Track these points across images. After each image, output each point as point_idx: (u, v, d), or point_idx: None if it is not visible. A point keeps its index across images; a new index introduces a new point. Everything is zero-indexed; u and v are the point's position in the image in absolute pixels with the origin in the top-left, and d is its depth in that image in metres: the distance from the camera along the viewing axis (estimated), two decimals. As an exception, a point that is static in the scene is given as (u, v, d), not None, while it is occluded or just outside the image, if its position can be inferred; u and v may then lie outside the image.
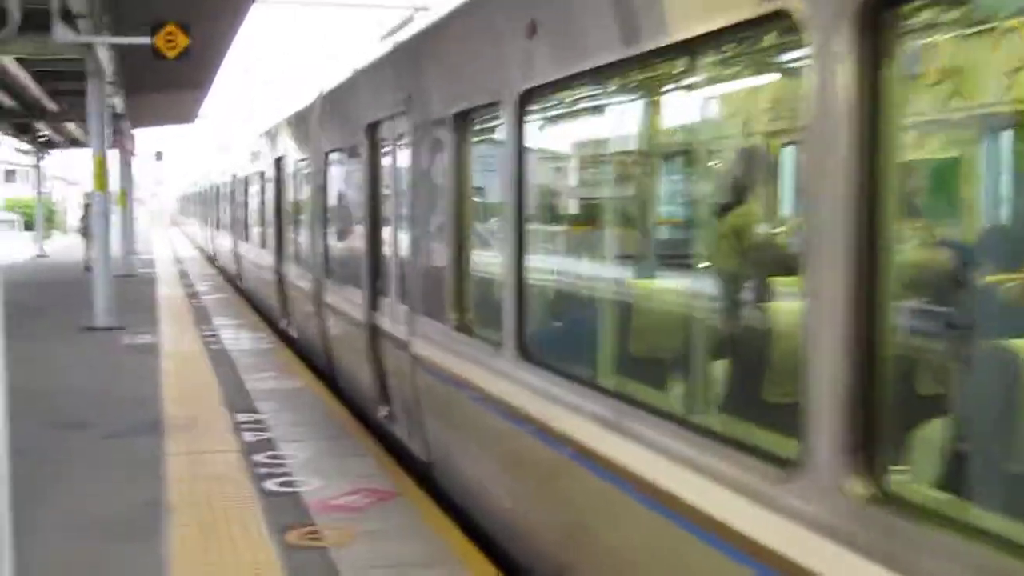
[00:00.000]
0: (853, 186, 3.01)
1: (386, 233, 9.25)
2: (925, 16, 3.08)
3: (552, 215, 6.47)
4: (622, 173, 5.53)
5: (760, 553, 3.47)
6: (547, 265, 6.16)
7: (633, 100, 5.21)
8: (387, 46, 9.22)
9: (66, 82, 23.86)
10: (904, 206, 3.21)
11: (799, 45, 3.24)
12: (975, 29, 3.11)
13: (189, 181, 59.43)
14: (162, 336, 16.11)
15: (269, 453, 8.60)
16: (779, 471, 3.41)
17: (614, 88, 5.13)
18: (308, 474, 7.92)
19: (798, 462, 3.29)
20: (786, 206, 4.31)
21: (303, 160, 13.82)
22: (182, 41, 15.76)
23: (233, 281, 26.02)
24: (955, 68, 3.19)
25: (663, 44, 4.18)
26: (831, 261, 3.09)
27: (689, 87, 4.57)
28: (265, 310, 18.69)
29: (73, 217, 54.35)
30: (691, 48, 4.14)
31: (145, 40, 15.96)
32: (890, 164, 2.99)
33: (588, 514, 5.05)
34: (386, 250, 9.21)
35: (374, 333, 9.31)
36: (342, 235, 11.63)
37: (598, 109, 5.47)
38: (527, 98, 5.60)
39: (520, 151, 5.74)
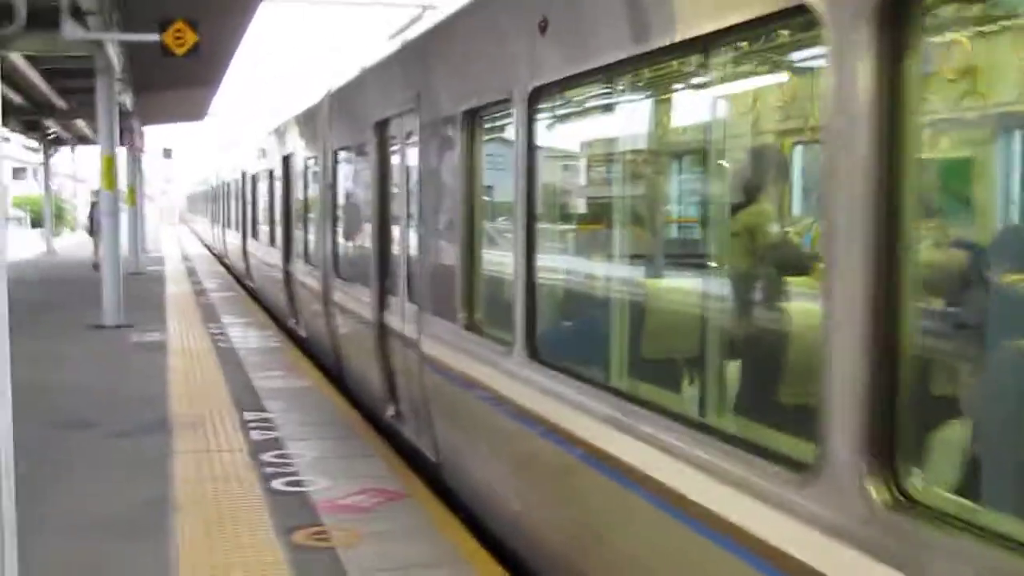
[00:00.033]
0: (873, 185, 2.94)
1: (395, 231, 9.21)
2: (948, 11, 3.01)
3: (563, 214, 6.41)
4: (634, 172, 5.47)
5: (776, 558, 3.40)
6: (558, 264, 6.11)
7: (645, 98, 5.15)
8: (396, 44, 9.17)
9: (75, 80, 23.86)
10: (925, 205, 3.15)
11: (819, 41, 3.18)
12: (999, 25, 3.04)
13: (198, 179, 59.44)
14: (170, 334, 16.09)
15: (276, 452, 8.55)
16: (795, 475, 3.35)
17: (626, 85, 5.07)
18: (316, 474, 7.87)
19: (815, 466, 3.23)
20: (802, 205, 4.25)
21: (311, 158, 13.78)
22: (191, 38, 15.72)
23: (241, 279, 26.00)
24: (977, 65, 3.13)
25: (676, 41, 4.12)
26: (851, 260, 3.03)
27: (704, 84, 4.51)
28: (273, 308, 18.66)
29: (82, 215, 54.40)
30: (706, 45, 4.08)
31: (154, 37, 15.93)
32: (911, 162, 2.92)
33: (600, 517, 4.99)
34: (395, 248, 9.16)
35: (383, 332, 9.26)
36: (350, 233, 11.60)
37: (610, 107, 5.41)
38: (537, 95, 5.54)
39: (530, 149, 5.68)
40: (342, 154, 11.84)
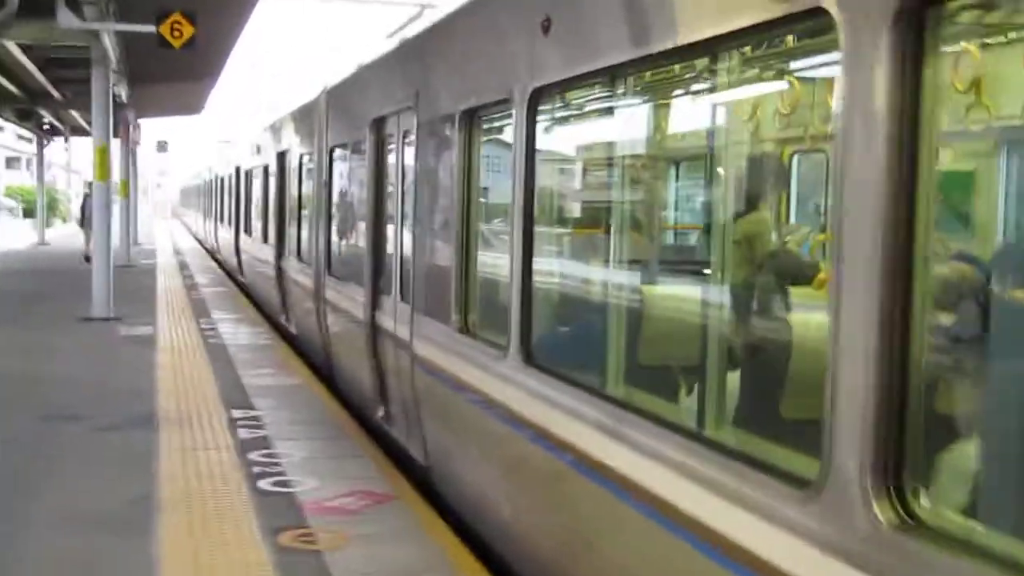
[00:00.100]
0: (888, 194, 2.86)
1: (389, 231, 9.12)
2: (971, 16, 2.93)
3: (562, 217, 6.33)
4: (635, 176, 5.39)
5: (773, 575, 3.32)
6: (555, 268, 6.03)
7: (647, 101, 5.07)
8: (394, 41, 9.09)
9: (71, 69, 23.73)
10: (942, 216, 3.06)
11: (834, 46, 3.09)
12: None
13: (191, 173, 59.25)
14: (160, 328, 15.97)
15: (264, 451, 8.45)
16: (796, 490, 3.26)
17: (631, 88, 4.98)
18: (303, 474, 7.77)
19: (817, 482, 3.14)
20: (810, 214, 4.17)
21: (306, 155, 13.69)
22: (188, 31, 15.62)
23: (233, 275, 25.88)
24: (999, 73, 3.05)
25: (682, 43, 4.04)
26: (861, 272, 2.94)
27: (709, 88, 4.43)
28: (265, 305, 18.56)
29: (75, 206, 54.21)
30: (713, 47, 4.00)
31: (151, 28, 15.83)
32: (928, 172, 2.84)
33: (591, 527, 4.91)
34: (389, 248, 9.08)
35: (374, 332, 9.17)
36: (344, 231, 11.51)
37: (613, 110, 5.32)
38: (538, 96, 5.46)
39: (530, 150, 5.60)
40: (338, 151, 11.75)
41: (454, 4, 7.29)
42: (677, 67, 4.50)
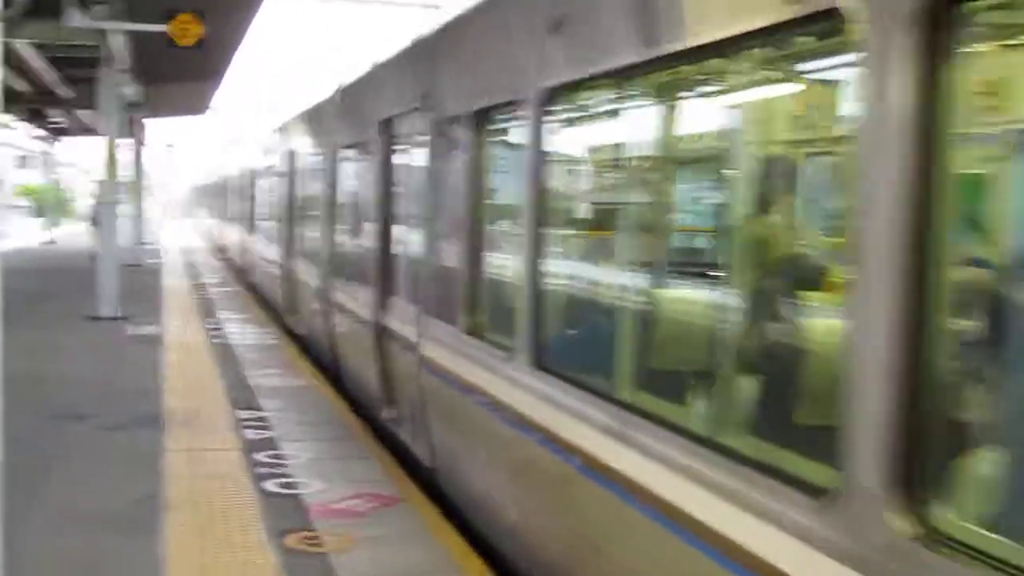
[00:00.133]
0: (907, 197, 2.80)
1: (397, 232, 9.08)
2: (994, 17, 2.87)
3: (573, 219, 6.27)
4: (645, 179, 5.33)
5: None
6: (565, 271, 5.97)
7: (659, 103, 5.01)
8: (405, 42, 9.04)
9: (81, 69, 23.71)
10: (961, 220, 3.00)
11: (851, 47, 3.04)
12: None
13: (199, 173, 59.31)
14: (166, 328, 15.96)
15: (270, 452, 8.41)
16: (811, 499, 3.20)
17: (642, 90, 4.92)
18: (310, 476, 7.73)
19: (835, 492, 3.08)
20: (832, 215, 4.10)
21: (315, 155, 13.65)
22: (196, 30, 15.61)
23: (241, 274, 25.87)
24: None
25: (693, 45, 3.99)
26: (880, 276, 2.88)
27: (723, 90, 4.37)
28: (272, 305, 18.53)
29: (84, 205, 54.27)
30: (726, 49, 3.94)
31: (159, 27, 15.81)
32: (948, 176, 2.78)
33: (601, 533, 4.85)
34: (397, 249, 9.03)
35: (382, 333, 9.13)
36: (352, 232, 11.46)
37: (623, 110, 5.26)
38: (549, 97, 5.41)
39: (541, 151, 5.55)
40: (347, 152, 11.71)
41: (460, 5, 7.24)
42: (689, 68, 4.45)
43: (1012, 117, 3.16)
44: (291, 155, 16.11)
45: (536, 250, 5.59)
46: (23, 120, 36.67)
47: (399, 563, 6.11)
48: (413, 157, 8.41)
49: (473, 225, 6.70)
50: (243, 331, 15.97)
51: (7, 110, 31.90)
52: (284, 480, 7.61)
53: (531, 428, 5.49)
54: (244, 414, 9.82)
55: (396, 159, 9.21)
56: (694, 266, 5.10)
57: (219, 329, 16.07)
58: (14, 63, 21.90)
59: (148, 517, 6.72)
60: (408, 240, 8.55)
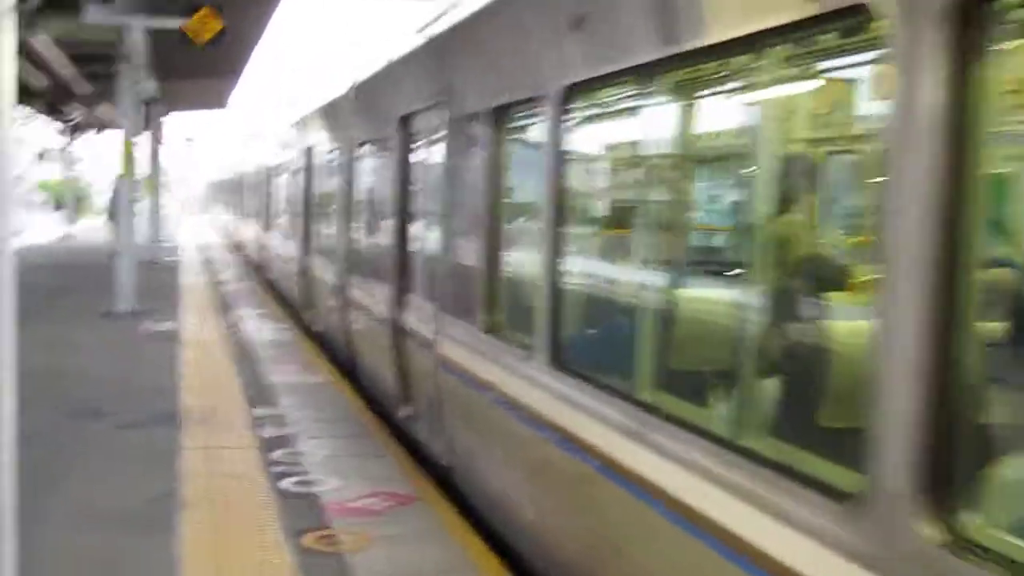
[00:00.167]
0: (937, 196, 2.74)
1: (415, 229, 9.03)
2: None
3: (593, 218, 6.21)
4: (667, 177, 5.27)
5: None
6: (585, 269, 5.92)
7: (681, 100, 4.94)
8: (423, 36, 8.99)
9: (99, 64, 23.77)
10: (992, 218, 2.93)
11: (877, 44, 2.97)
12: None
13: (216, 168, 59.40)
14: (183, 324, 15.97)
15: (287, 450, 8.39)
16: (836, 504, 3.14)
17: (663, 87, 4.85)
18: (326, 474, 7.70)
19: (860, 497, 3.02)
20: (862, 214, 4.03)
21: (333, 151, 13.63)
22: (215, 25, 15.60)
23: (258, 271, 25.90)
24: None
25: (715, 42, 3.93)
26: (909, 274, 2.82)
27: (746, 87, 4.30)
28: (289, 301, 18.53)
29: (103, 200, 54.46)
30: (750, 46, 3.87)
31: (178, 23, 15.81)
32: (978, 174, 2.72)
33: (619, 535, 4.80)
34: (414, 246, 8.99)
35: (398, 331, 9.09)
36: (369, 229, 11.43)
37: (645, 108, 5.19)
38: (570, 94, 5.35)
39: (562, 148, 5.49)
40: (365, 148, 11.67)
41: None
42: (711, 65, 4.38)
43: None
44: (308, 151, 16.09)
45: (555, 248, 5.54)
46: (43, 113, 36.79)
47: (415, 562, 6.08)
48: (432, 154, 8.37)
49: (492, 222, 6.65)
50: (259, 327, 15.96)
51: (27, 104, 32.04)
52: (300, 478, 7.58)
53: (549, 428, 5.44)
54: (260, 411, 9.80)
55: (414, 156, 9.16)
56: (715, 265, 5.04)
57: (236, 325, 16.07)
58: (32, 58, 21.96)
59: (164, 516, 6.70)
60: (426, 237, 8.51)
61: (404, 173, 9.39)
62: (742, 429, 4.16)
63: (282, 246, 19.51)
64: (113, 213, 27.91)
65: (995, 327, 3.11)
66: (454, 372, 7.26)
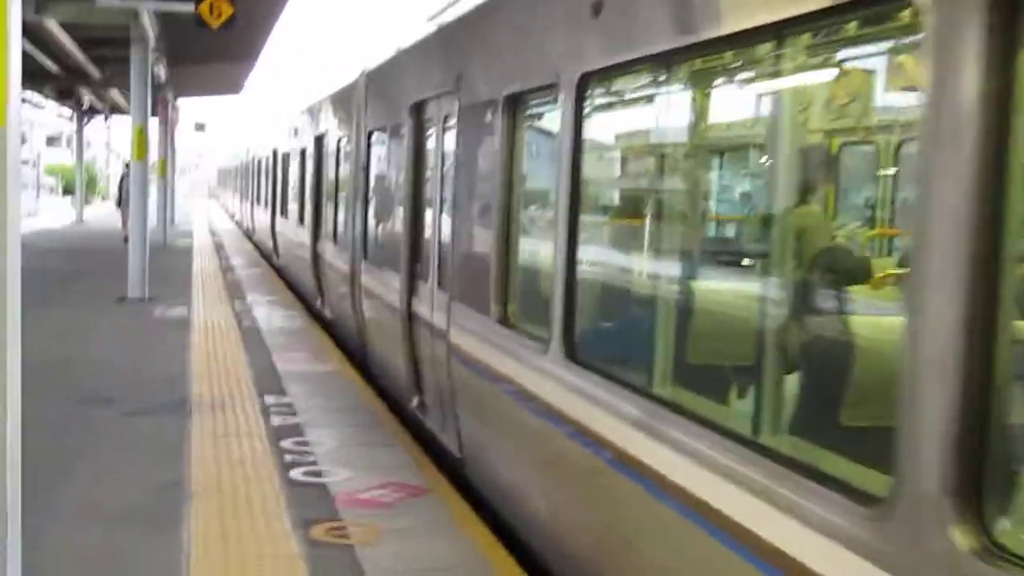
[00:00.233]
0: (976, 189, 2.63)
1: (427, 217, 8.95)
2: None
3: (609, 208, 6.12)
4: (684, 167, 5.17)
5: None
6: (601, 260, 5.83)
7: (703, 88, 4.84)
8: (435, 23, 8.89)
9: (110, 48, 23.72)
10: None
11: (914, 30, 2.87)
12: None
13: (228, 154, 59.37)
14: (194, 310, 15.93)
15: (297, 439, 8.32)
16: (862, 507, 3.04)
17: (684, 76, 4.75)
18: (336, 464, 7.62)
19: (887, 500, 2.92)
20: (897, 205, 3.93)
21: (344, 138, 13.55)
22: (227, 10, 15.51)
23: (269, 257, 25.86)
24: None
25: (740, 29, 3.82)
26: (945, 271, 2.71)
27: (772, 75, 4.20)
28: (300, 288, 18.49)
29: (114, 185, 54.54)
30: (778, 33, 3.77)
31: (189, 7, 15.73)
32: (1019, 165, 2.61)
33: (632, 530, 4.72)
34: (427, 235, 8.90)
35: (410, 319, 9.02)
36: (381, 217, 11.35)
37: (667, 96, 5.09)
38: (586, 82, 5.25)
39: (577, 137, 5.39)
40: (376, 135, 11.59)
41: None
42: (735, 54, 4.28)
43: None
44: (320, 138, 16.01)
45: (570, 238, 5.44)
46: (52, 98, 36.78)
47: (425, 556, 6.00)
48: (444, 142, 8.28)
49: (506, 212, 6.55)
50: (270, 314, 15.92)
51: (38, 89, 32.04)
52: (310, 468, 7.51)
53: (563, 420, 5.36)
54: (271, 399, 9.74)
55: (427, 143, 9.07)
56: (734, 255, 4.94)
57: (247, 311, 16.03)
58: (44, 42, 21.90)
59: (173, 505, 6.64)
60: (438, 226, 8.43)
61: (416, 161, 9.30)
62: (760, 426, 4.07)
63: (294, 232, 19.45)
64: (122, 199, 27.94)
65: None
66: (467, 363, 7.18)
